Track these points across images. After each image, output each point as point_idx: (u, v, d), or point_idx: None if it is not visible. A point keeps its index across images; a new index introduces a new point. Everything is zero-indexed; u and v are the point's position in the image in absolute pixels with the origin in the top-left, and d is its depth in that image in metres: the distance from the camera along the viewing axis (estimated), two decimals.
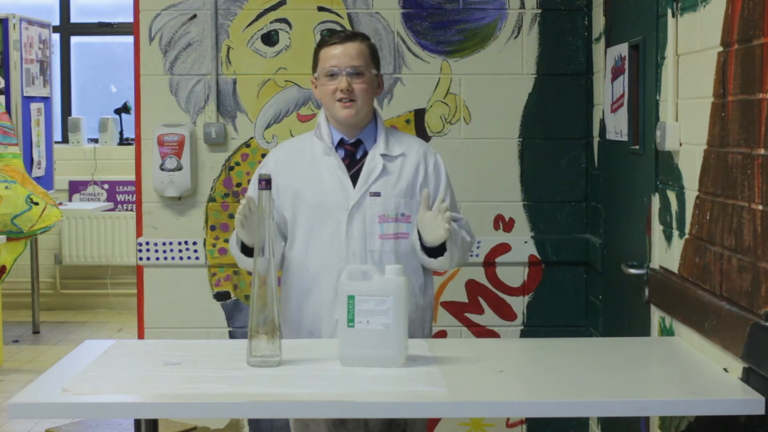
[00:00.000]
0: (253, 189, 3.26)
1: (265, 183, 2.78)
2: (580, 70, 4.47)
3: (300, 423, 3.26)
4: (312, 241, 3.22)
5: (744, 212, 2.57)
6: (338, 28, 4.43)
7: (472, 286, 4.50)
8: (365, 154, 3.23)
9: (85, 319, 8.49)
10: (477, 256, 4.45)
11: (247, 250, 3.16)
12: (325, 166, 3.22)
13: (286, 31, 4.46)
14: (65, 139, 8.96)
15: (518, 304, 4.52)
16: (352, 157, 3.23)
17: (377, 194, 3.19)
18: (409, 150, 3.26)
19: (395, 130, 3.39)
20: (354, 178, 3.21)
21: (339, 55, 3.16)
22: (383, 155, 3.21)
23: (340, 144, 3.24)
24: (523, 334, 4.50)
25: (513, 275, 4.51)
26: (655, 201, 3.35)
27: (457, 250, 3.19)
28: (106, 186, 8.81)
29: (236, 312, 4.49)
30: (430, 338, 3.30)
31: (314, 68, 3.26)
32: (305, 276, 3.23)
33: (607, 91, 4.04)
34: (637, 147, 3.58)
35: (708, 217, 2.84)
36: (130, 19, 4.57)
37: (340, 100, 3.16)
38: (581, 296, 4.50)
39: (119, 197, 8.81)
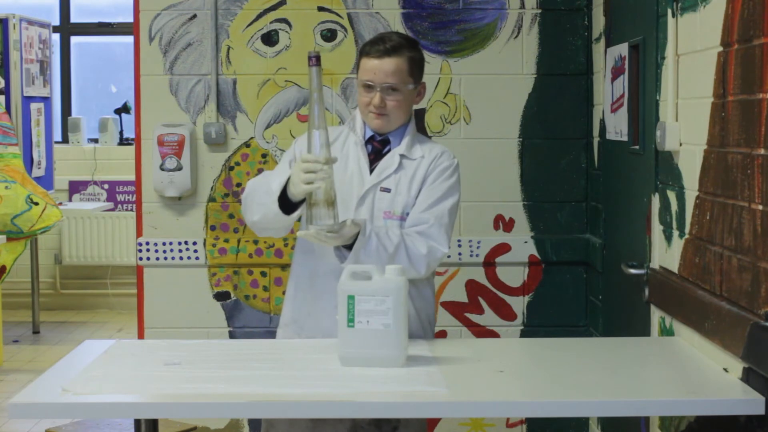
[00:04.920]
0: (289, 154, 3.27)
1: (315, 59, 2.95)
2: (580, 70, 4.47)
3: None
4: None
5: (744, 212, 2.57)
6: (338, 28, 4.43)
7: (472, 286, 4.50)
8: (389, 152, 3.26)
9: (85, 319, 8.48)
10: (477, 256, 4.45)
11: (287, 207, 3.05)
12: (353, 156, 3.24)
13: (286, 31, 4.46)
14: (65, 139, 8.95)
15: (518, 304, 4.51)
16: (378, 153, 3.26)
17: (387, 190, 3.21)
18: (430, 154, 3.27)
19: (424, 138, 3.37)
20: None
21: (375, 69, 3.16)
22: (402, 155, 3.23)
23: (370, 140, 3.26)
24: (523, 334, 4.50)
25: (513, 275, 4.51)
26: (655, 201, 3.35)
27: (365, 253, 3.06)
28: (106, 186, 8.80)
29: (236, 312, 4.49)
30: (431, 338, 3.30)
31: (357, 67, 3.26)
32: (311, 258, 3.23)
33: (607, 91, 4.03)
34: (637, 147, 3.58)
35: (708, 217, 2.84)
36: (130, 19, 4.57)
37: (372, 112, 3.19)
38: (581, 296, 4.50)
39: (119, 197, 8.80)
